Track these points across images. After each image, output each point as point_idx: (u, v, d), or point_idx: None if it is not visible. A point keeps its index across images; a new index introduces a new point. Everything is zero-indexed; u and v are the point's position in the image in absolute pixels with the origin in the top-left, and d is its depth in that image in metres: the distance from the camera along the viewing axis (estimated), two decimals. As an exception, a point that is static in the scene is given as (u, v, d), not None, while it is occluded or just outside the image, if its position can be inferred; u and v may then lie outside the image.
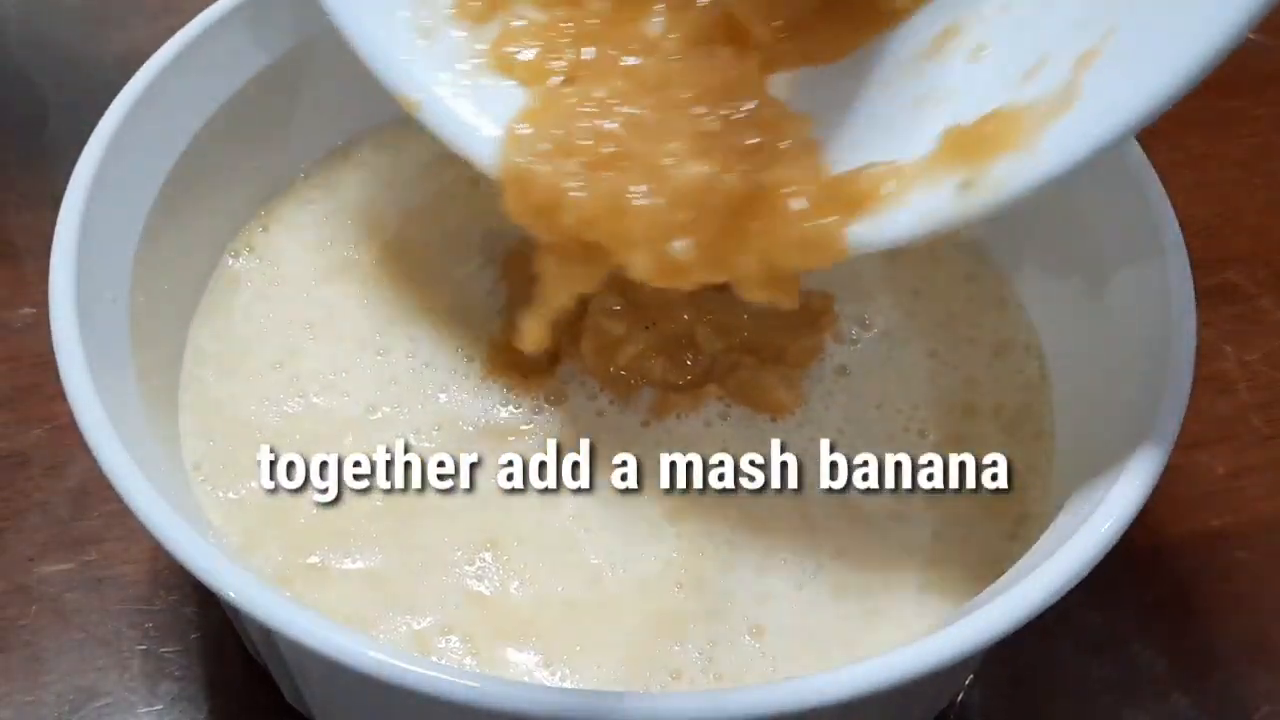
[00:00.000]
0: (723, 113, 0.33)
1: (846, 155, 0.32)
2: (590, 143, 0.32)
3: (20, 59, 0.59)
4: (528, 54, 0.35)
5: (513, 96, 0.35)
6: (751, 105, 0.34)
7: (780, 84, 0.34)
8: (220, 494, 0.37)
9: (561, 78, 0.35)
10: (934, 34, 0.33)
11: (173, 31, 0.39)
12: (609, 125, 0.32)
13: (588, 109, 0.33)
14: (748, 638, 0.35)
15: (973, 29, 0.32)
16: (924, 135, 0.31)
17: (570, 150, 0.32)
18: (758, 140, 0.33)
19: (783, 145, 0.33)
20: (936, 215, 0.30)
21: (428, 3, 0.37)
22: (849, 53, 0.35)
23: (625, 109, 0.33)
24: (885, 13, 0.34)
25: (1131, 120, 0.27)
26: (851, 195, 0.31)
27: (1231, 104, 0.56)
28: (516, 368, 0.40)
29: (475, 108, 0.35)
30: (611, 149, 0.32)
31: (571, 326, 0.40)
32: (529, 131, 0.33)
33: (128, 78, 0.38)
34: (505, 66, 0.36)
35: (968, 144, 0.30)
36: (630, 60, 0.35)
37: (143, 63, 0.38)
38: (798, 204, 0.32)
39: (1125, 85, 0.27)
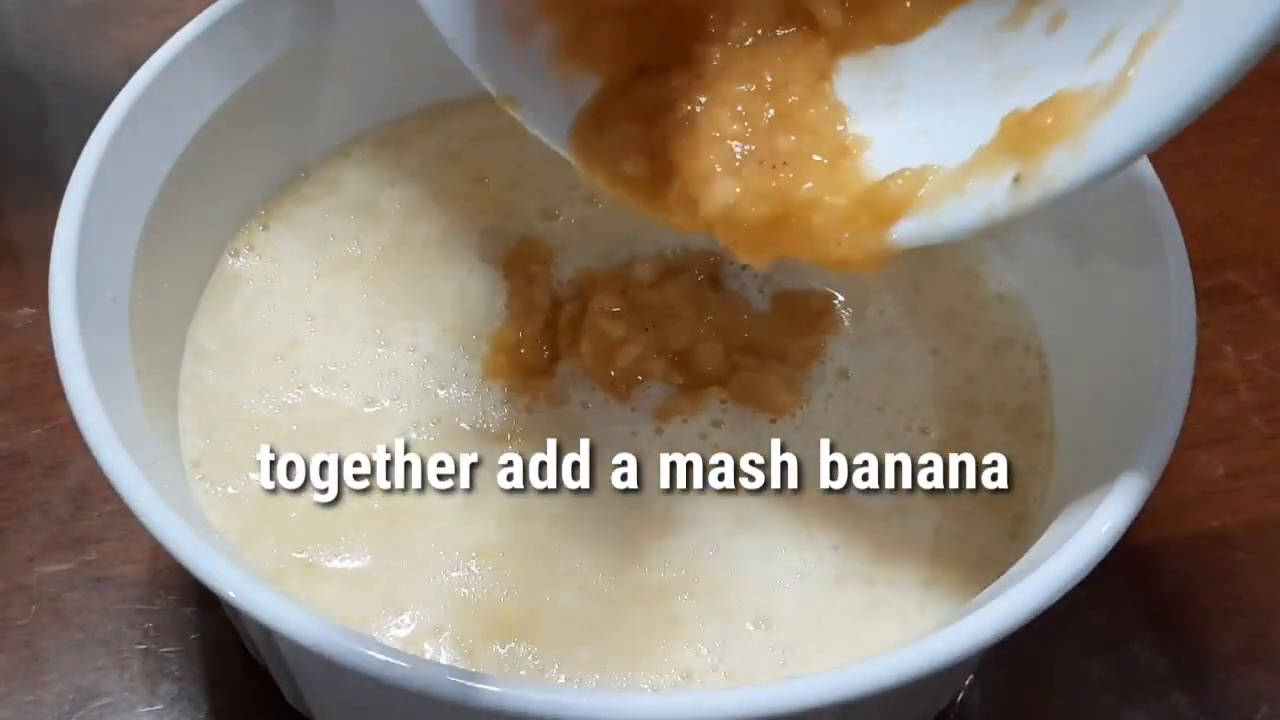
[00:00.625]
0: (769, 112, 0.33)
1: (910, 144, 0.32)
2: (645, 131, 0.34)
3: (20, 59, 0.59)
4: (606, 45, 0.36)
5: (590, 86, 0.36)
6: (795, 100, 0.34)
7: (853, 67, 0.34)
8: (219, 490, 0.37)
9: (640, 65, 0.35)
10: (1017, 1, 0.32)
11: (173, 31, 0.39)
12: (658, 121, 0.34)
13: (649, 100, 0.34)
14: (751, 628, 0.35)
15: None
16: (993, 118, 0.30)
17: (626, 144, 0.34)
18: (794, 143, 0.33)
19: (819, 152, 0.33)
20: (991, 210, 0.29)
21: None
22: (927, 29, 0.34)
23: (682, 105, 0.34)
24: None
25: (1176, 116, 0.26)
26: (886, 204, 0.31)
27: (1232, 104, 0.56)
28: (517, 367, 0.40)
29: (562, 99, 0.36)
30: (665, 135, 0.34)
31: (571, 327, 0.40)
32: (593, 119, 0.35)
33: (128, 78, 0.38)
34: (585, 56, 0.36)
35: (1024, 135, 0.29)
36: (696, 48, 0.35)
37: (143, 63, 0.38)
38: (828, 219, 0.32)
39: (1172, 77, 0.26)
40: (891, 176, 0.32)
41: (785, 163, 0.33)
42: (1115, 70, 0.28)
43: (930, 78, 0.33)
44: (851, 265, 0.32)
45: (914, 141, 0.33)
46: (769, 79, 0.34)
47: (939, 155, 0.31)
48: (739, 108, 0.34)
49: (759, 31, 0.35)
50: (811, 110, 0.34)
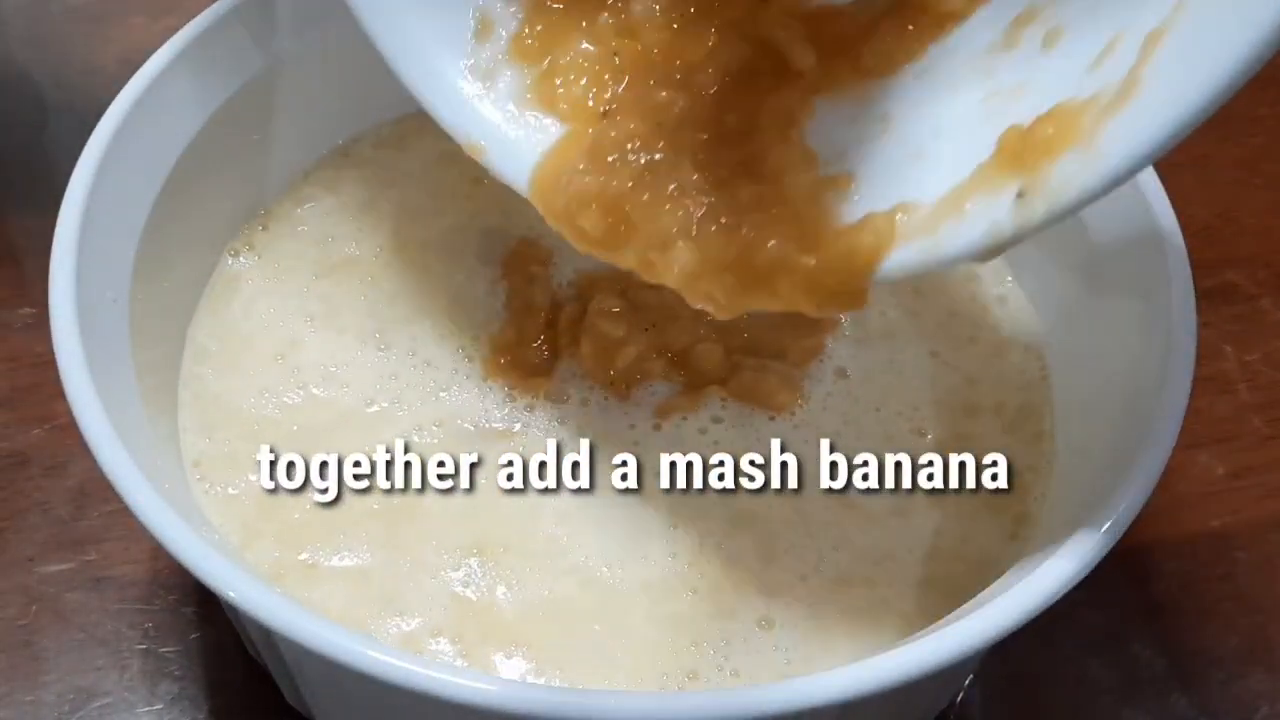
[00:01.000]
0: (731, 159, 0.33)
1: (903, 170, 0.31)
2: (602, 187, 0.33)
3: (20, 59, 0.59)
4: (572, 89, 0.35)
5: (554, 131, 0.35)
6: (758, 148, 0.33)
7: (839, 100, 0.34)
8: (219, 490, 0.37)
9: (603, 109, 0.35)
10: (1007, 23, 0.31)
11: (173, 31, 0.39)
12: (617, 175, 0.33)
13: (608, 151, 0.34)
14: (758, 630, 0.35)
15: (1049, 10, 0.30)
16: (989, 137, 0.29)
17: (583, 199, 0.33)
18: (756, 193, 0.32)
19: (784, 202, 0.32)
20: (996, 229, 0.28)
21: (488, 44, 0.36)
22: (908, 62, 0.33)
23: (640, 155, 0.33)
24: (944, 14, 0.33)
25: (1197, 108, 0.25)
26: (858, 256, 0.30)
27: (1232, 104, 0.56)
28: (517, 367, 0.40)
29: (526, 144, 0.35)
30: (622, 192, 0.33)
31: (571, 327, 0.40)
32: (553, 168, 0.34)
33: (128, 78, 0.38)
34: (549, 102, 0.36)
35: (1024, 149, 0.28)
36: (661, 95, 0.34)
37: (143, 63, 0.38)
38: (794, 284, 0.31)
39: (1189, 69, 0.25)
40: (859, 224, 0.31)
41: (747, 218, 0.32)
42: (1124, 71, 0.27)
43: (919, 107, 0.32)
44: (831, 312, 0.31)
45: (907, 167, 0.32)
46: (732, 126, 0.34)
47: (933, 180, 0.31)
48: (699, 156, 0.33)
49: (725, 79, 0.34)
50: (776, 158, 0.33)
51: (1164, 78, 0.26)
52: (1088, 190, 0.27)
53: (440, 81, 0.36)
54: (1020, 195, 0.28)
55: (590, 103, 0.35)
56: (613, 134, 0.34)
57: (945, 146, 0.31)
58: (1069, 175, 0.27)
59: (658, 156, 0.33)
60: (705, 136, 0.33)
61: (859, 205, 0.32)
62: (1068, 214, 0.27)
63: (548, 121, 0.36)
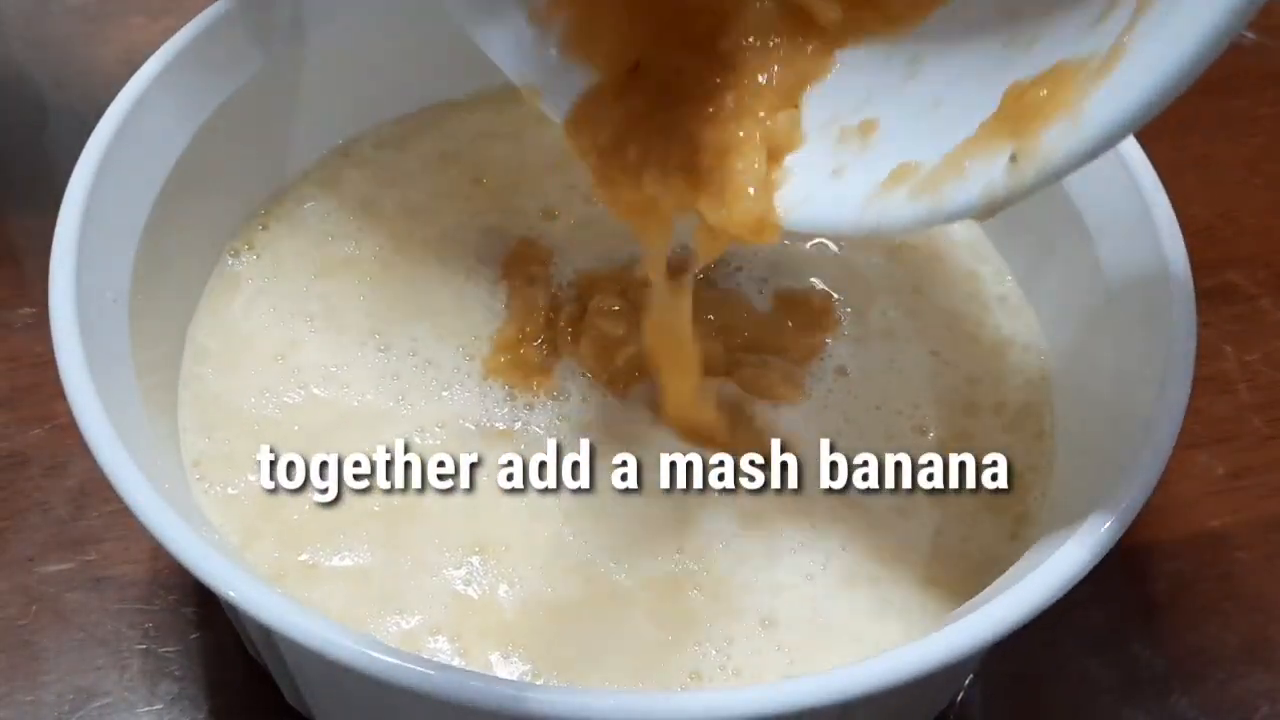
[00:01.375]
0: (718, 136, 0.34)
1: (919, 124, 0.32)
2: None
3: (20, 59, 0.58)
4: (603, 38, 0.36)
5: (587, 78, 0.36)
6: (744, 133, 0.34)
7: (872, 41, 0.34)
8: (219, 490, 0.37)
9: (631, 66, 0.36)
10: None
11: (173, 31, 0.39)
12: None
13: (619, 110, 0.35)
14: (759, 627, 0.35)
15: None
16: (999, 89, 0.30)
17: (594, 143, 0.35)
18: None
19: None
20: (991, 188, 0.29)
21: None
22: (934, 7, 0.33)
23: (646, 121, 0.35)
24: None
25: (1166, 83, 0.25)
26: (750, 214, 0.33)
27: (1232, 104, 0.56)
28: (517, 367, 0.40)
29: (566, 88, 0.36)
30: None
31: (571, 327, 0.40)
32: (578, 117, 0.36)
33: (128, 78, 0.38)
34: (585, 49, 0.36)
35: (1019, 111, 0.29)
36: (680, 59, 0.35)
37: (143, 63, 0.38)
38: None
39: (1162, 41, 0.25)
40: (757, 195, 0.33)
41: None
42: (1114, 36, 0.27)
43: (948, 47, 0.32)
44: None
45: (924, 116, 0.32)
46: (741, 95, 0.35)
47: (946, 132, 0.31)
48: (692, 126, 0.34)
49: (750, 39, 0.35)
50: (725, 138, 0.34)
51: (1143, 46, 0.26)
52: (1074, 156, 0.27)
53: (503, 25, 0.36)
54: (1013, 159, 0.28)
55: (620, 55, 0.36)
56: (637, 90, 0.35)
57: (959, 95, 0.31)
58: (1056, 142, 0.27)
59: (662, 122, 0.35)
60: (711, 110, 0.34)
61: (879, 157, 0.32)
62: (1057, 178, 0.28)
63: (585, 69, 0.36)
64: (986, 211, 0.29)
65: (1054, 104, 0.28)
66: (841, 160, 0.33)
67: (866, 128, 0.33)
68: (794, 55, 0.34)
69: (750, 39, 0.35)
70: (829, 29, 0.34)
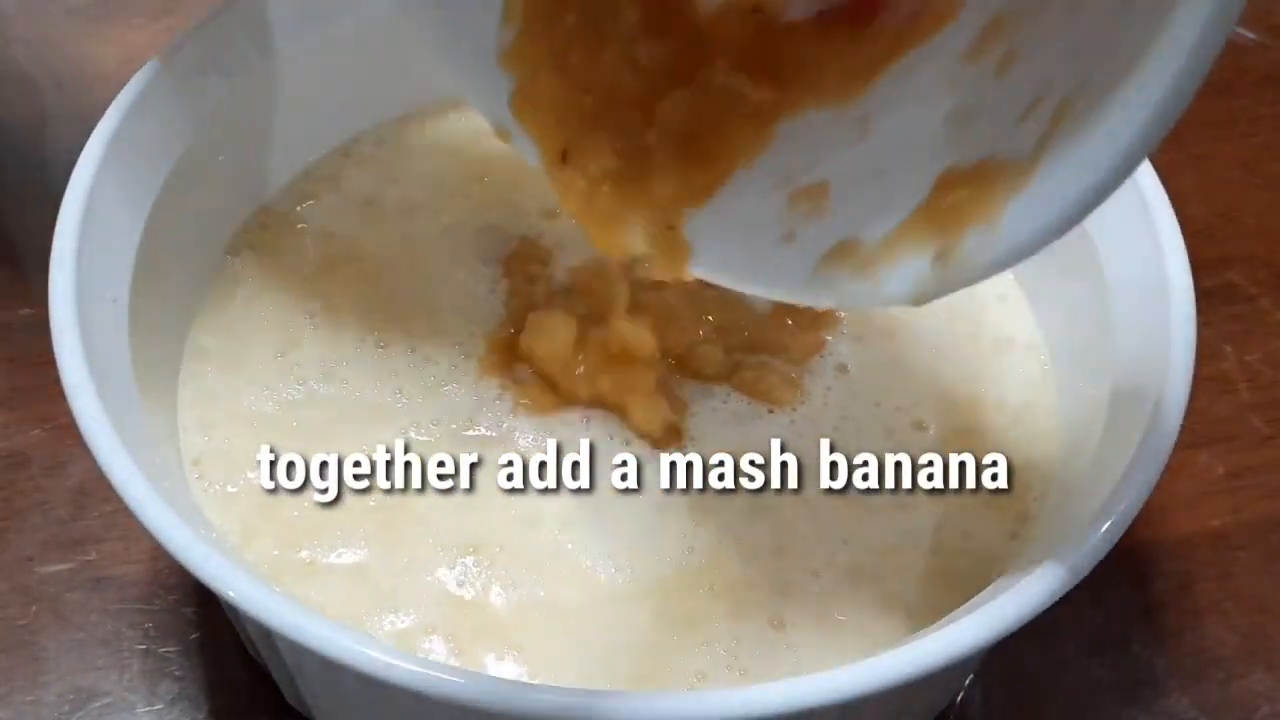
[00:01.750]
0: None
1: (861, 193, 0.32)
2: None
3: (20, 59, 0.58)
4: (543, 117, 0.35)
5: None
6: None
7: (800, 124, 0.33)
8: (218, 489, 0.37)
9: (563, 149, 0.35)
10: (979, 29, 0.30)
11: (173, 31, 0.39)
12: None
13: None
14: (766, 627, 0.35)
15: (1012, 27, 0.30)
16: (936, 168, 0.30)
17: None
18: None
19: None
20: (920, 284, 0.29)
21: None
22: (879, 75, 0.33)
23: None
24: (904, 36, 0.32)
25: (1077, 206, 0.26)
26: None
27: (1232, 104, 0.56)
28: (515, 365, 0.40)
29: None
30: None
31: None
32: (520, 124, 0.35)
33: (128, 78, 0.38)
34: (528, 117, 0.36)
35: (946, 210, 0.29)
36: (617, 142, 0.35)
37: (143, 63, 0.38)
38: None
39: (1076, 162, 0.26)
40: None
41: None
42: (1033, 141, 0.27)
43: (894, 111, 0.32)
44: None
45: (867, 184, 0.32)
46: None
47: (883, 207, 0.31)
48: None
49: (687, 116, 0.34)
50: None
51: (1058, 163, 0.26)
52: (992, 265, 0.28)
53: (476, 68, 0.36)
54: (938, 257, 0.29)
55: (555, 132, 0.35)
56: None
57: (901, 169, 0.31)
58: (974, 251, 0.28)
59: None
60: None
61: (828, 226, 0.32)
62: (980, 280, 0.28)
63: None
64: (919, 302, 0.30)
65: (975, 209, 0.28)
66: (791, 226, 0.33)
67: (817, 193, 0.33)
68: (732, 131, 0.34)
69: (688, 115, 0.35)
70: (763, 107, 0.34)
